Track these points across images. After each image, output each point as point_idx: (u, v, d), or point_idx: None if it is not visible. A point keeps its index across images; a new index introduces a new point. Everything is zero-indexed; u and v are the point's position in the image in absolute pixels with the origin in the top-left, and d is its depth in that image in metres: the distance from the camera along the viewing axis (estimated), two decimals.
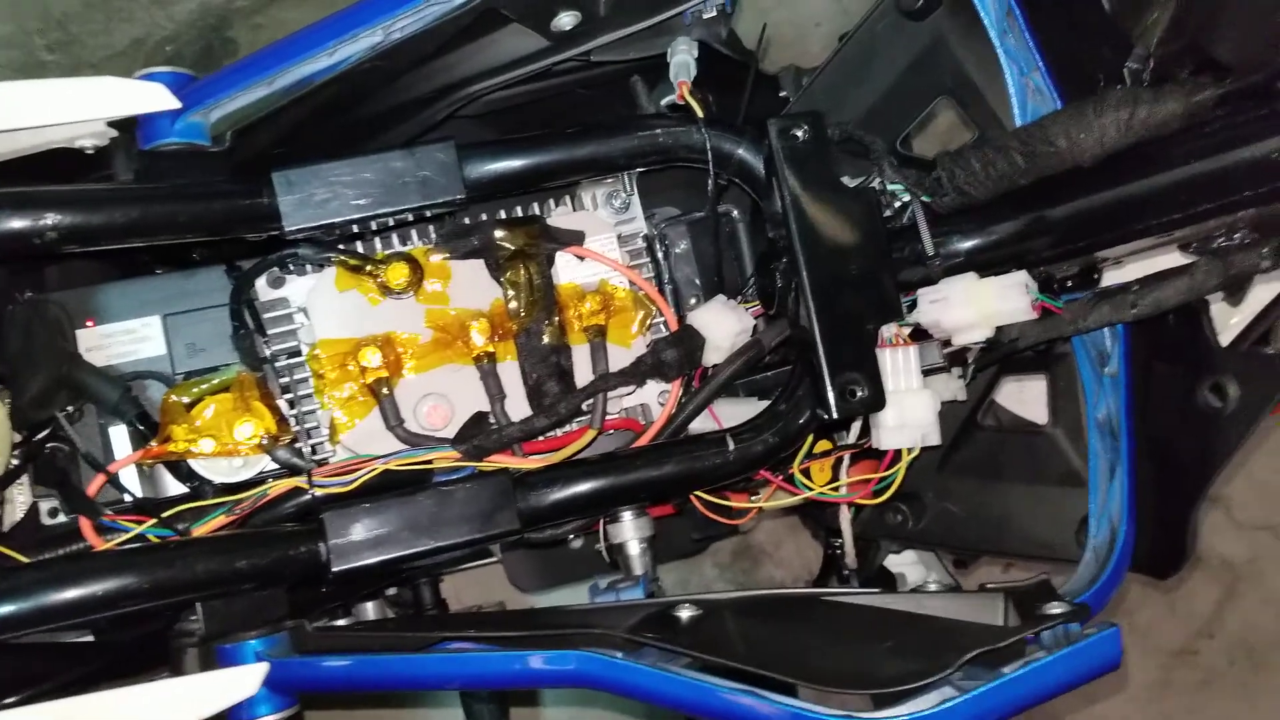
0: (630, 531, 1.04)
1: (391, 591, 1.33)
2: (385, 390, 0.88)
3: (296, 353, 0.94)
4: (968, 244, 0.89)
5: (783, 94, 1.19)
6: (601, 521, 1.05)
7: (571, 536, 1.22)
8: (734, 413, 0.97)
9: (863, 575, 1.18)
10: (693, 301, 1.07)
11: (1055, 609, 0.73)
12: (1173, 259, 0.95)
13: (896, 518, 1.10)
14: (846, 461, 1.01)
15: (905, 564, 1.24)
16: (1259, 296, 1.09)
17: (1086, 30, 0.91)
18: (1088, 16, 0.89)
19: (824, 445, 1.02)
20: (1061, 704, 1.99)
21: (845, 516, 1.03)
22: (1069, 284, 0.94)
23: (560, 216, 0.98)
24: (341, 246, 0.93)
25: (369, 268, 0.90)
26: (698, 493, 0.97)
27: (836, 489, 1.00)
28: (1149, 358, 0.93)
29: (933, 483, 1.09)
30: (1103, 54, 0.91)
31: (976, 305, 0.87)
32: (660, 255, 1.06)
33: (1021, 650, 0.72)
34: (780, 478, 0.98)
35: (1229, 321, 1.11)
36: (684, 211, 1.08)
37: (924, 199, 0.90)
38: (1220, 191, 0.76)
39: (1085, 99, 0.81)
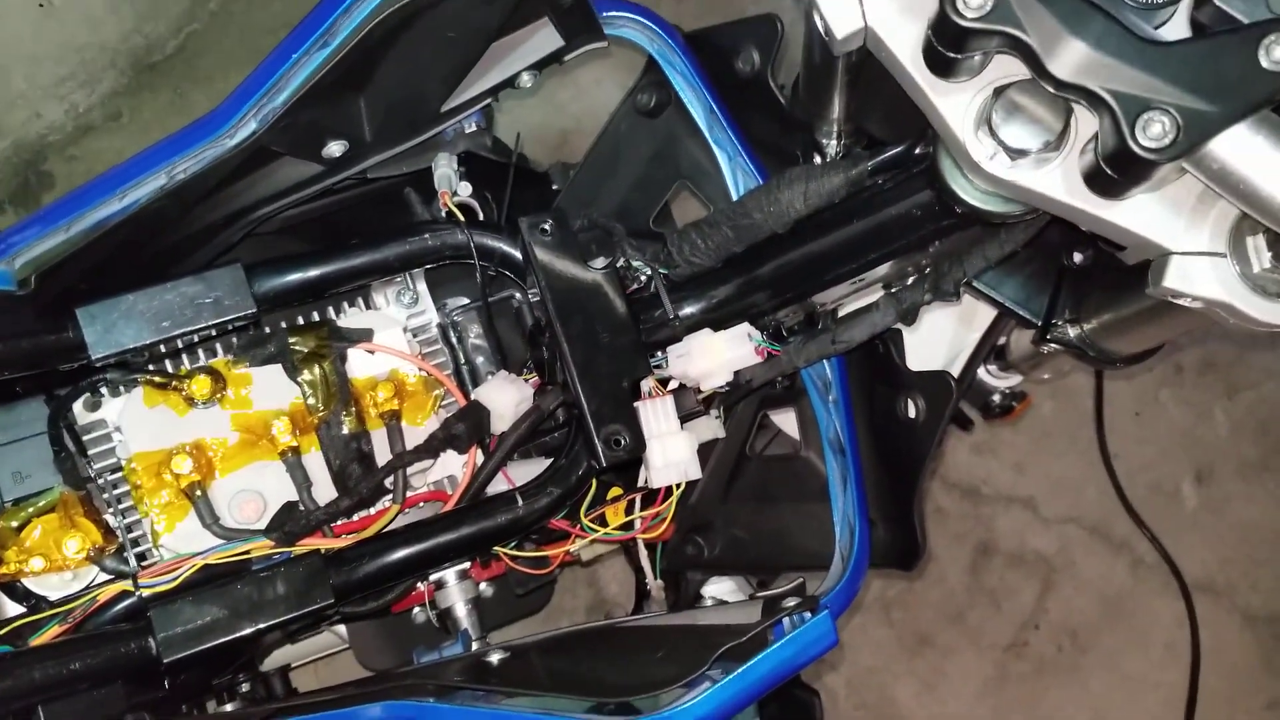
0: (455, 595, 1.15)
1: (245, 688, 1.39)
2: (199, 492, 0.97)
3: (117, 467, 1.02)
4: (700, 305, 1.04)
5: (555, 187, 1.35)
6: (427, 589, 1.16)
7: (415, 609, 1.31)
8: (529, 472, 1.10)
9: (680, 604, 1.31)
10: (487, 378, 1.20)
11: (788, 603, 0.87)
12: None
13: (694, 549, 1.24)
14: (638, 503, 1.14)
15: (722, 591, 1.37)
16: (984, 318, 1.29)
17: (779, 121, 1.09)
18: (776, 112, 1.07)
19: (616, 491, 1.15)
20: (915, 704, 2.14)
21: (642, 551, 1.16)
22: (795, 329, 1.11)
23: (353, 317, 1.10)
24: (151, 366, 1.02)
25: (174, 383, 0.99)
26: (504, 550, 1.09)
27: (630, 528, 1.13)
28: (871, 381, 1.10)
29: (720, 512, 1.23)
30: (796, 138, 1.10)
31: (713, 356, 1.02)
32: (455, 340, 1.18)
33: (765, 642, 0.85)
34: (578, 526, 1.11)
35: (968, 338, 1.30)
36: (474, 299, 1.21)
37: (662, 271, 1.06)
38: (879, 243, 0.93)
39: (773, 178, 0.98)
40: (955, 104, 0.76)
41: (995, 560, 2.18)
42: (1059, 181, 0.74)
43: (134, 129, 2.43)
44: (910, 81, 0.77)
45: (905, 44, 0.75)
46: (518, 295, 1.24)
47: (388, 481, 1.01)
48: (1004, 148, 0.74)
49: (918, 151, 0.90)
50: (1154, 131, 0.61)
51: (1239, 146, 0.62)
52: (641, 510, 1.14)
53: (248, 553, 0.96)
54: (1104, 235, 0.76)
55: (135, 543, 1.01)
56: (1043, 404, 2.21)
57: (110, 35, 2.49)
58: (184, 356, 1.05)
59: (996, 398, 1.40)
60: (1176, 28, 0.68)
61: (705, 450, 1.15)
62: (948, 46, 0.68)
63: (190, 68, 2.46)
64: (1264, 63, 0.60)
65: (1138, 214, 0.73)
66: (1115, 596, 2.20)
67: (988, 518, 2.18)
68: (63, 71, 2.43)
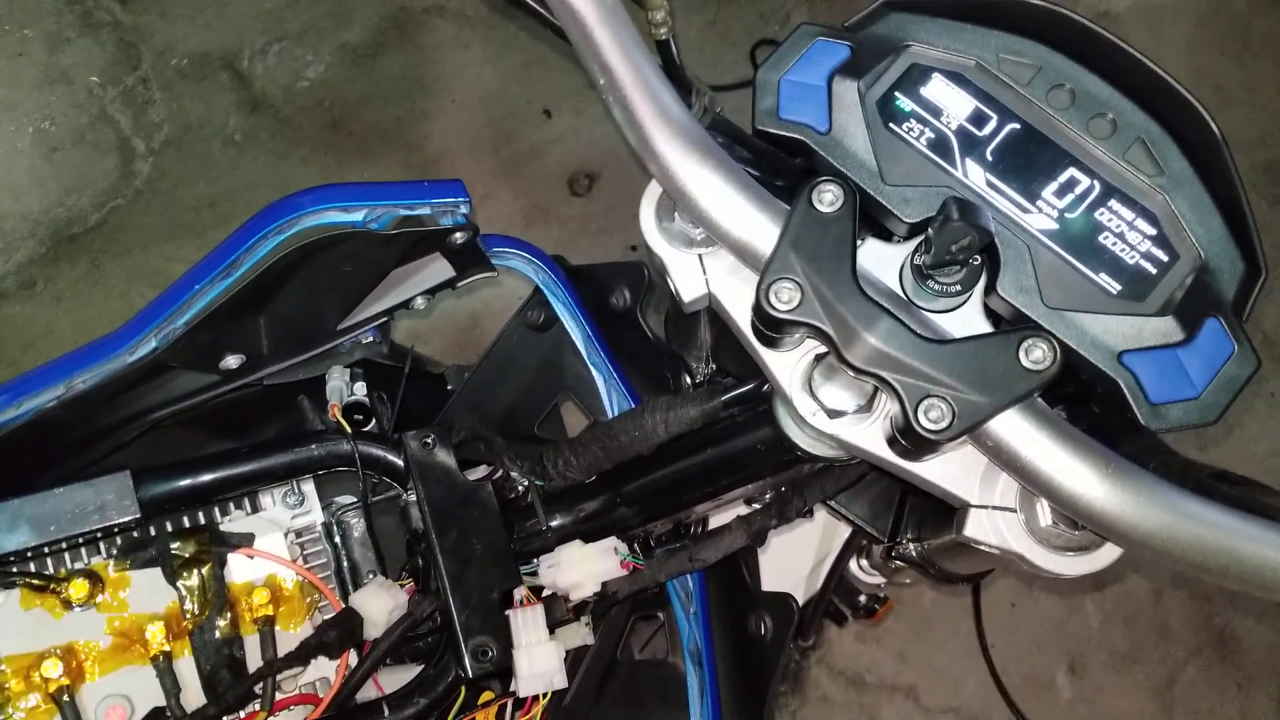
0: None
1: None
2: (66, 697, 0.98)
3: None
4: (570, 517, 1.11)
5: (450, 388, 1.42)
6: None
7: None
8: (401, 678, 1.12)
9: None
10: (369, 577, 1.23)
11: None
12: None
13: None
14: (510, 709, 1.17)
15: None
16: (845, 529, 1.38)
17: (651, 350, 1.19)
18: (646, 344, 1.18)
19: (488, 695, 1.18)
20: None
21: None
22: (664, 539, 1.18)
23: (237, 520, 1.14)
24: (32, 568, 1.05)
25: (52, 586, 1.01)
26: None
27: None
28: (731, 596, 1.17)
29: (592, 716, 1.26)
30: (667, 362, 1.20)
31: (581, 567, 1.08)
32: (339, 539, 1.22)
33: None
34: None
35: (831, 547, 1.39)
36: (360, 500, 1.26)
37: (538, 483, 1.13)
38: (729, 471, 1.02)
39: (640, 404, 1.07)
40: (783, 365, 0.86)
41: None
42: (873, 438, 0.84)
43: (47, 297, 2.46)
44: (746, 341, 0.87)
45: (741, 310, 0.86)
46: (405, 494, 1.29)
47: (258, 687, 1.03)
48: (823, 407, 0.84)
49: (764, 390, 1.01)
50: (933, 415, 0.71)
51: (1007, 429, 0.72)
52: (513, 715, 1.17)
53: None
54: (917, 485, 0.86)
55: None
56: (924, 593, 2.30)
57: (33, 206, 2.56)
58: (66, 555, 1.07)
59: (863, 598, 1.48)
60: (970, 313, 0.80)
61: (579, 654, 1.20)
62: (765, 327, 0.78)
63: (110, 241, 2.52)
64: (1024, 362, 0.71)
65: (940, 470, 0.83)
66: None
67: (871, 706, 2.22)
68: None
